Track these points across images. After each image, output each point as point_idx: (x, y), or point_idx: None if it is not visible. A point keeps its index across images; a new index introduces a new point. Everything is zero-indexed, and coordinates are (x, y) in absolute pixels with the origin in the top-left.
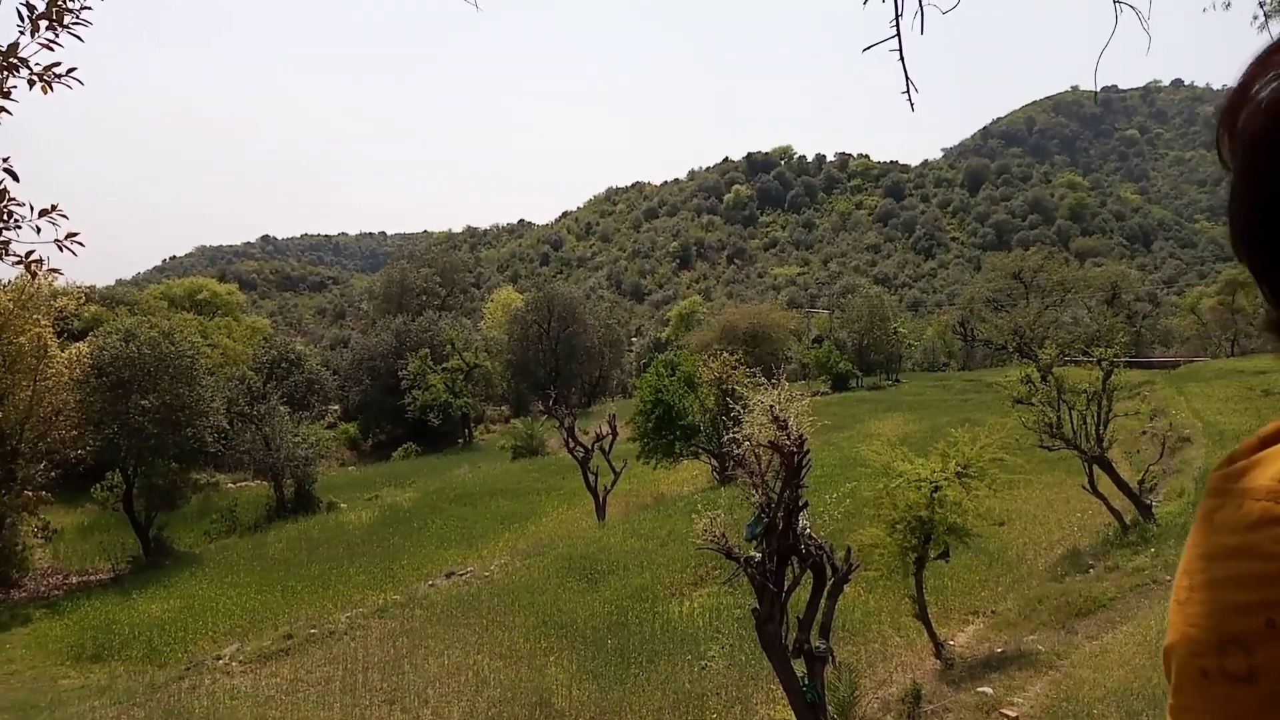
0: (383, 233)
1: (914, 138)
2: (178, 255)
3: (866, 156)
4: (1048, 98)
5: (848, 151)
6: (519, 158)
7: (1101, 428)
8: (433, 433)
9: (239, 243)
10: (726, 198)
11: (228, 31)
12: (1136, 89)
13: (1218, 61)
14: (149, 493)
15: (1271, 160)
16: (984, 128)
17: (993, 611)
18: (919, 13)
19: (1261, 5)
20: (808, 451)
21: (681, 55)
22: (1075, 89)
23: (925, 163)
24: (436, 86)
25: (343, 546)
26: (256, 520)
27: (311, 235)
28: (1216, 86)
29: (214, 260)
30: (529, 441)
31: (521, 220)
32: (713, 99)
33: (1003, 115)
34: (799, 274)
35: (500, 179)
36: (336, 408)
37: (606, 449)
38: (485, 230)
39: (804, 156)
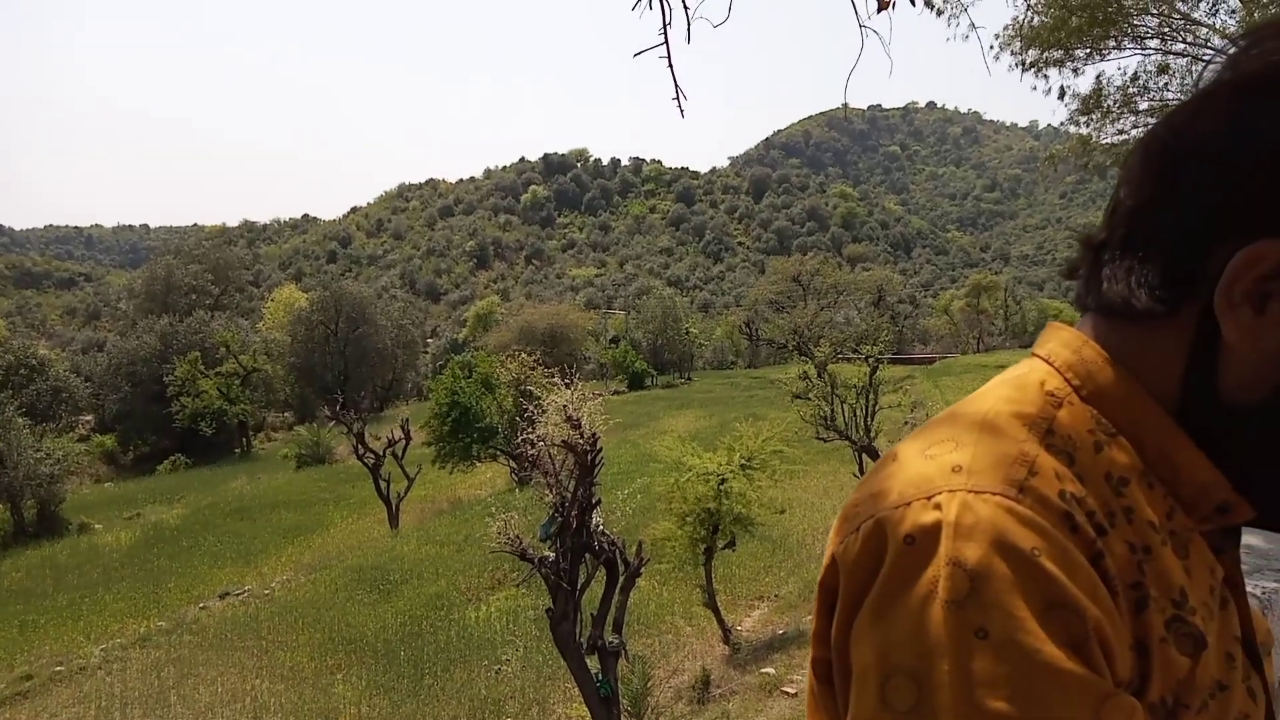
0: (145, 225)
1: (704, 146)
2: None
3: (659, 162)
4: (822, 113)
5: (641, 157)
6: (304, 149)
7: (869, 419)
8: (205, 443)
9: None
10: (524, 198)
11: None
12: (898, 109)
13: (964, 87)
14: None
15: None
16: (766, 139)
17: (776, 595)
18: (687, 22)
19: (996, 37)
20: (600, 450)
21: (475, 53)
22: (846, 106)
23: (714, 170)
24: (208, 67)
25: (97, 572)
26: None
27: (58, 227)
28: (963, 110)
29: None
30: (315, 449)
31: (306, 215)
32: (509, 98)
33: (783, 128)
34: (596, 275)
35: (282, 171)
36: (90, 418)
37: (399, 454)
38: (265, 225)
39: (600, 160)
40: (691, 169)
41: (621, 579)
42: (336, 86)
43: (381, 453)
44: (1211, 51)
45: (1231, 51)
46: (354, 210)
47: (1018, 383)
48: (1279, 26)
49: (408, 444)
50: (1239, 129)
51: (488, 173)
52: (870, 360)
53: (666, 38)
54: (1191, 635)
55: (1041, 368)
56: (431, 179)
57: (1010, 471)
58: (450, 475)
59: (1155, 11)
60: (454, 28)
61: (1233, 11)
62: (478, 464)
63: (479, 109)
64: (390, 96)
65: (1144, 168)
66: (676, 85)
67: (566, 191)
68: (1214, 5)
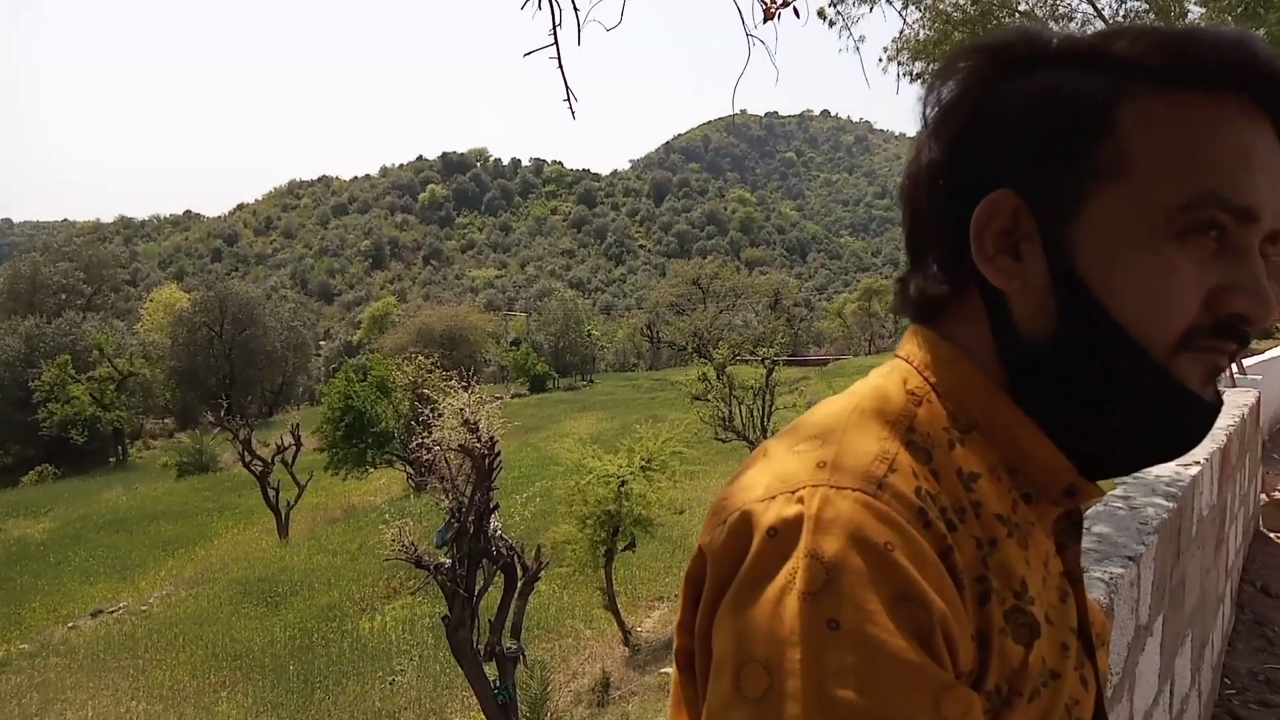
0: (8, 220)
1: (605, 148)
2: None
3: (560, 163)
4: (721, 118)
5: (543, 158)
6: (186, 141)
7: (766, 420)
8: (76, 452)
9: None
10: (422, 197)
11: None
12: (794, 116)
13: (857, 96)
14: None
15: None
16: (667, 143)
17: (676, 595)
18: (578, 25)
19: (884, 50)
20: (498, 453)
21: (371, 45)
22: (744, 112)
23: (615, 172)
24: (75, 47)
25: None
26: None
27: None
28: (855, 119)
29: None
30: (198, 457)
31: (188, 211)
32: (407, 94)
33: (683, 131)
34: (497, 276)
35: (162, 165)
36: None
37: (289, 461)
38: (143, 221)
39: (500, 160)
40: (593, 171)
41: (520, 583)
42: (223, 77)
43: (270, 460)
44: None
45: (936, 81)
46: (241, 207)
47: (882, 382)
48: (959, 52)
49: (298, 450)
50: (942, 127)
51: (384, 170)
52: (767, 362)
53: (556, 39)
54: (1028, 625)
55: (903, 367)
56: (325, 176)
57: (871, 468)
58: (344, 482)
59: None
60: (349, 17)
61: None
62: (373, 470)
63: (375, 105)
64: (280, 89)
65: (912, 189)
66: (567, 87)
67: (466, 191)
68: (1082, 26)
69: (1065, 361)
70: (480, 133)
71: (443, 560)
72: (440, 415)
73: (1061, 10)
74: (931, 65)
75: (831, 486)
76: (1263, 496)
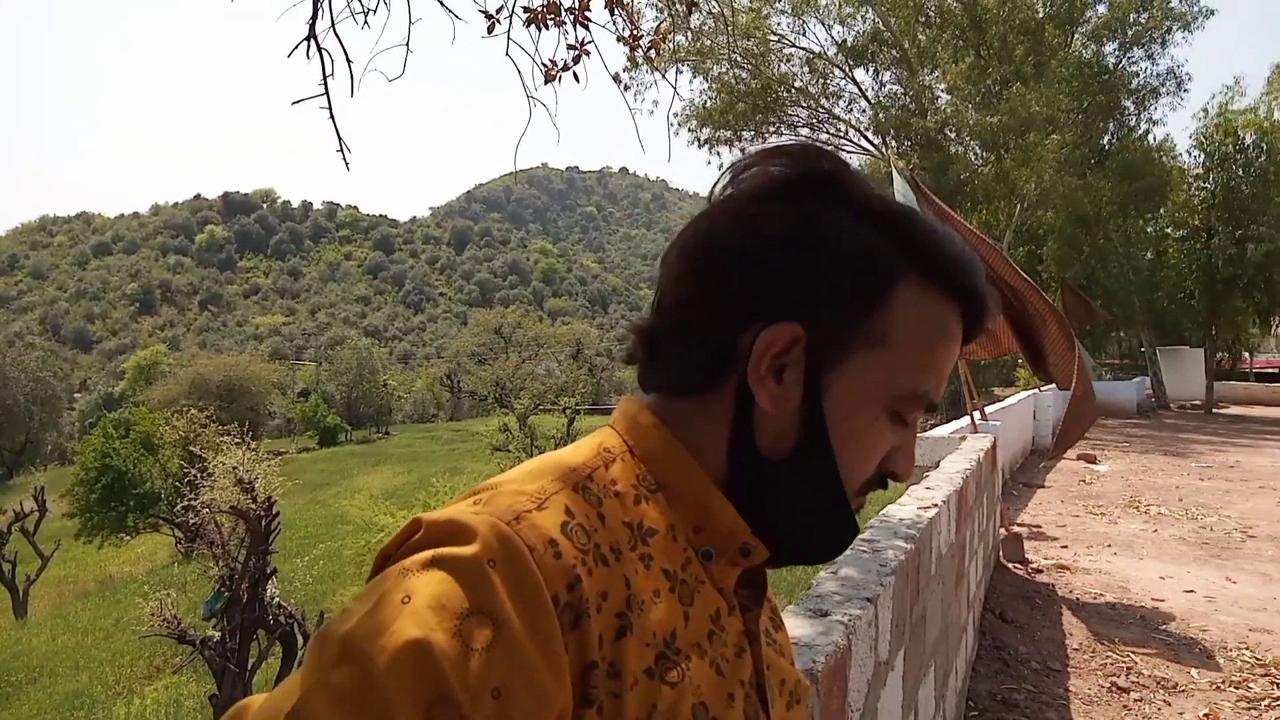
0: None
1: (404, 195)
2: None
3: (355, 208)
4: (523, 170)
5: (336, 201)
6: None
7: None
8: None
9: None
10: (199, 238)
11: None
12: (594, 171)
13: (654, 155)
14: None
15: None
16: (468, 191)
17: None
18: (350, 76)
19: (676, 115)
20: (277, 514)
21: (146, 76)
22: (545, 165)
23: (414, 219)
24: None
25: None
26: None
27: None
28: (653, 177)
29: None
30: None
31: None
32: (184, 128)
33: (485, 181)
34: (284, 324)
35: None
36: None
37: (30, 530)
38: None
39: (289, 201)
40: (390, 217)
41: (300, 653)
42: None
43: (6, 529)
44: (850, 142)
45: (741, 166)
46: None
47: (587, 442)
48: (771, 150)
49: (42, 517)
50: (751, 233)
51: (156, 209)
52: (569, 411)
53: (327, 89)
54: (674, 669)
55: (607, 432)
56: (84, 212)
57: (515, 504)
58: (99, 550)
59: (804, 105)
60: (116, 39)
61: (864, 110)
62: (135, 536)
63: (148, 138)
64: (31, 116)
65: (680, 265)
66: (340, 138)
67: (250, 233)
68: (849, 104)
69: (787, 483)
70: (267, 173)
71: (211, 633)
72: (210, 475)
73: (831, 89)
74: (718, 132)
75: (472, 514)
76: (1002, 531)
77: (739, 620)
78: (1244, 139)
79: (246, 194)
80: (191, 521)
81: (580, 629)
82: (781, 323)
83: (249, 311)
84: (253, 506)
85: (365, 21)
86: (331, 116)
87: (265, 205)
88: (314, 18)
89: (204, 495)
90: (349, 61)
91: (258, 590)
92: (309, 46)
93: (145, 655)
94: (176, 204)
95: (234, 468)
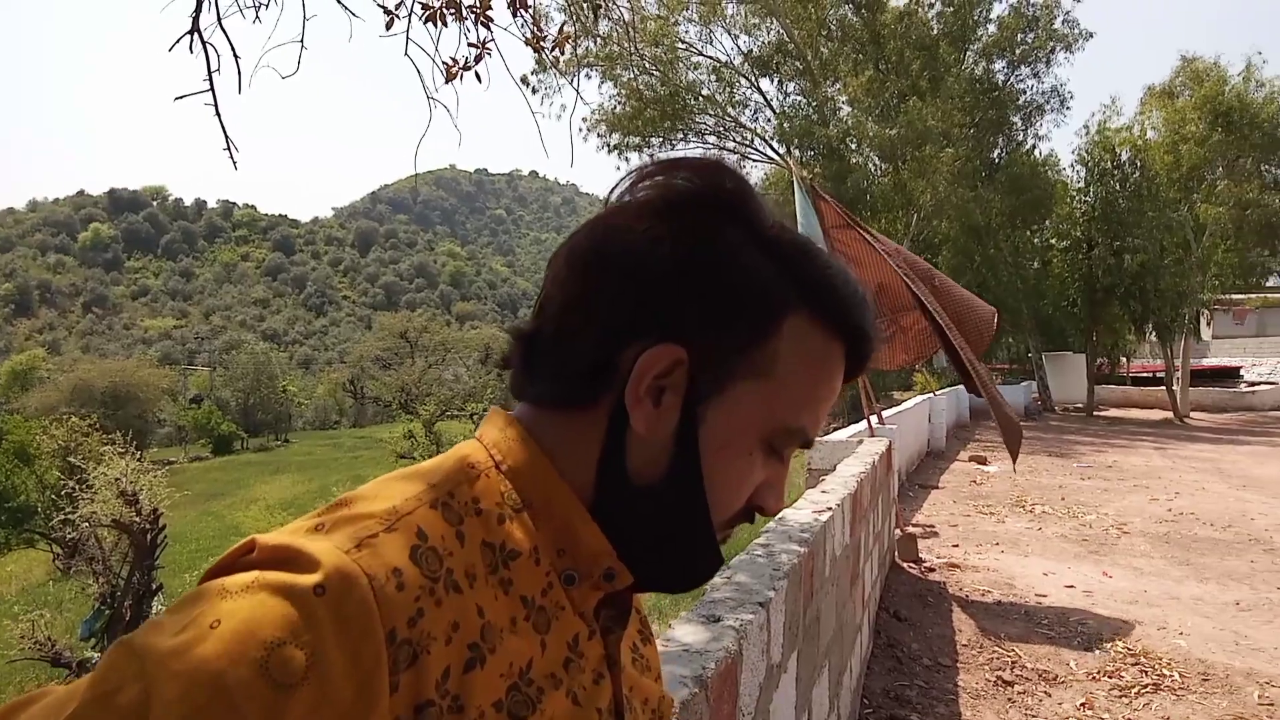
0: None
1: (305, 195)
2: None
3: (253, 207)
4: (430, 171)
5: (232, 200)
6: None
7: None
8: None
9: None
10: (83, 236)
11: None
12: (503, 174)
13: (561, 160)
14: None
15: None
16: (373, 192)
17: None
18: (238, 72)
19: (585, 120)
20: (163, 527)
21: (21, 65)
22: (453, 167)
23: (316, 220)
24: None
25: None
26: None
27: None
28: (563, 181)
29: None
30: None
31: None
32: (67, 120)
33: (391, 182)
34: (176, 327)
35: None
36: None
37: None
38: None
39: (181, 199)
40: (291, 217)
41: None
42: None
43: None
44: (755, 150)
45: (643, 173)
46: None
47: (450, 455)
48: (675, 161)
49: None
50: (644, 247)
51: (34, 205)
52: (476, 418)
53: (213, 85)
54: (527, 701)
55: (473, 444)
56: None
57: (362, 528)
58: None
59: (712, 113)
60: None
61: (769, 120)
62: (7, 553)
63: (23, 130)
64: None
65: (569, 270)
66: (226, 135)
67: (139, 232)
68: (755, 113)
69: (653, 509)
70: (158, 169)
71: (90, 655)
72: (91, 487)
73: (738, 98)
74: (628, 137)
75: (307, 538)
76: (897, 531)
77: (599, 645)
78: (1121, 155)
79: (135, 191)
80: (69, 536)
81: (417, 666)
82: (665, 344)
83: (137, 314)
84: (137, 520)
85: (256, 16)
86: (217, 113)
87: (156, 203)
88: (197, 11)
89: (84, 508)
90: (236, 57)
91: (142, 608)
92: (192, 40)
93: (15, 681)
94: (57, 200)
95: (117, 479)
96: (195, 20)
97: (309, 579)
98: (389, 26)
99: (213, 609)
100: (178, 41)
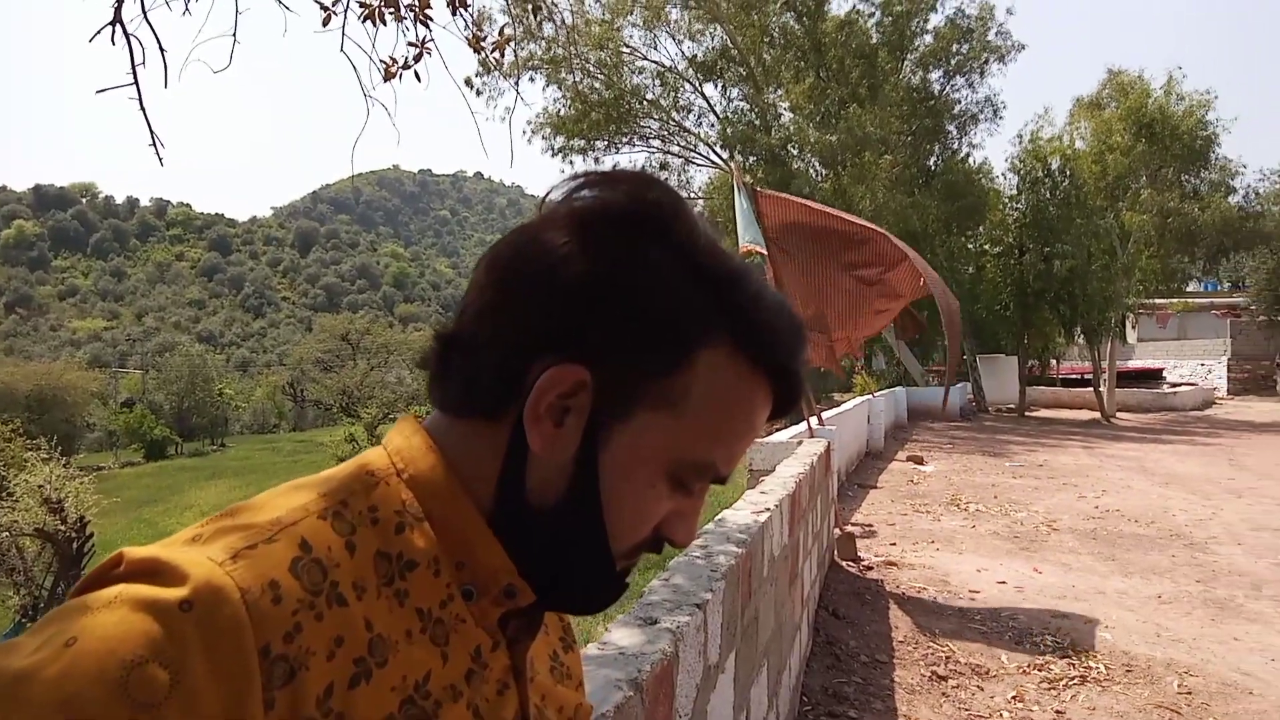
0: None
1: (243, 192)
2: None
3: (188, 205)
4: (372, 171)
5: (166, 198)
6: None
7: None
8: None
9: None
10: (6, 234)
11: None
12: (448, 175)
13: (506, 162)
14: None
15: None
16: (314, 192)
17: None
18: (164, 65)
19: (529, 123)
20: (90, 535)
21: None
22: (397, 167)
23: (254, 219)
24: None
25: None
26: None
27: None
28: (508, 183)
29: None
30: None
31: None
32: None
33: (332, 182)
34: (106, 328)
35: None
36: None
37: None
38: None
39: (112, 197)
40: (228, 216)
41: None
42: None
43: None
44: (699, 155)
45: (578, 183)
46: None
47: (350, 463)
48: (611, 174)
49: None
50: (562, 260)
51: None
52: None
53: (136, 78)
54: (421, 715)
55: (377, 451)
56: None
57: (239, 539)
58: None
59: (656, 117)
60: None
61: (712, 125)
62: None
63: None
64: None
65: (487, 276)
66: (151, 130)
67: (66, 230)
68: (699, 118)
69: (548, 533)
70: (87, 166)
71: None
72: (12, 495)
73: (682, 103)
74: (573, 140)
75: (179, 551)
76: (836, 530)
77: (505, 655)
78: (1051, 164)
79: (62, 188)
80: None
81: (295, 683)
82: (571, 364)
83: (65, 315)
84: (62, 528)
85: (186, 9)
86: (142, 108)
87: (84, 200)
88: (119, 2)
89: (4, 517)
90: (162, 50)
91: None
92: (114, 32)
93: None
94: None
95: (40, 486)
96: (118, 11)
97: (175, 593)
98: (325, 23)
99: (71, 626)
100: (98, 33)
